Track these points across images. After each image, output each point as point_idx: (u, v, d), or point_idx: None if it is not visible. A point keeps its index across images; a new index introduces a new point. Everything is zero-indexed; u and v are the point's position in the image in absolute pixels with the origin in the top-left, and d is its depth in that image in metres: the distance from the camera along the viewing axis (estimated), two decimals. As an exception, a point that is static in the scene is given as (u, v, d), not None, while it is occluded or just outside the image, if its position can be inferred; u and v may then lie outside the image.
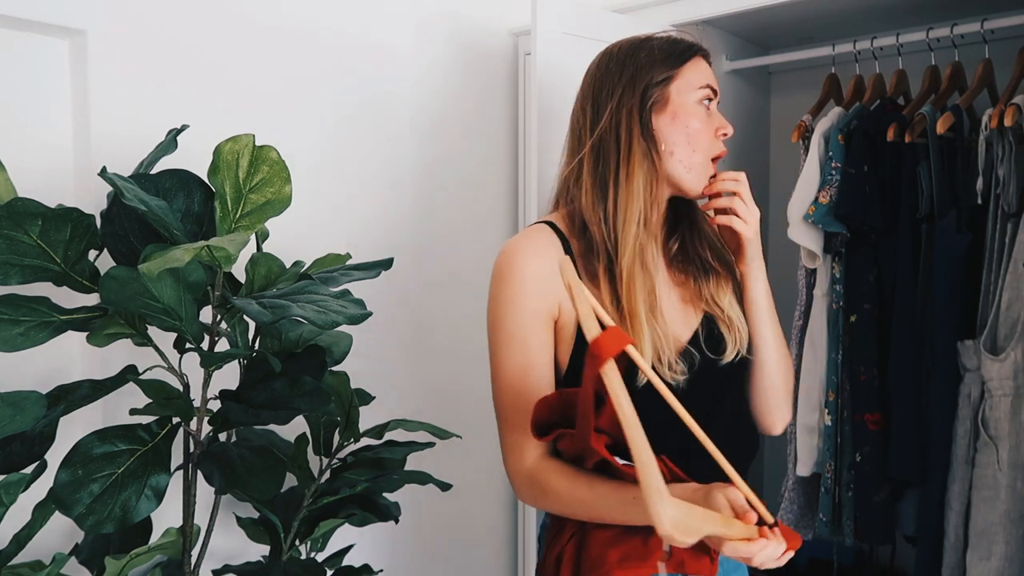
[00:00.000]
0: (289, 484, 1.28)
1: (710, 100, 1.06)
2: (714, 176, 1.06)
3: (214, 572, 1.26)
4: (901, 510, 1.79)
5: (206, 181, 1.08)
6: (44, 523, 1.03)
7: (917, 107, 1.75)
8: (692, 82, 1.04)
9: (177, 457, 1.08)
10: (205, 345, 1.11)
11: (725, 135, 1.07)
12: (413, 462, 1.47)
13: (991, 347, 1.56)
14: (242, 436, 1.20)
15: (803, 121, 1.90)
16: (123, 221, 1.06)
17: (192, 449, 1.10)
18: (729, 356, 1.06)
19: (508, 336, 1.01)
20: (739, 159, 2.11)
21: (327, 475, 1.29)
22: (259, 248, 1.23)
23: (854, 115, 1.80)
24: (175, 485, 1.06)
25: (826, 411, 1.79)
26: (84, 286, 1.04)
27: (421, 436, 1.60)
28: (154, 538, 1.12)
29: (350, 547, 1.43)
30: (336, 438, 1.32)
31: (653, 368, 0.97)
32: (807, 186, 1.79)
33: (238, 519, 1.35)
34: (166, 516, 1.20)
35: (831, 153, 1.77)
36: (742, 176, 1.06)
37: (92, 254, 1.06)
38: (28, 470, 1.00)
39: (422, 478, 1.30)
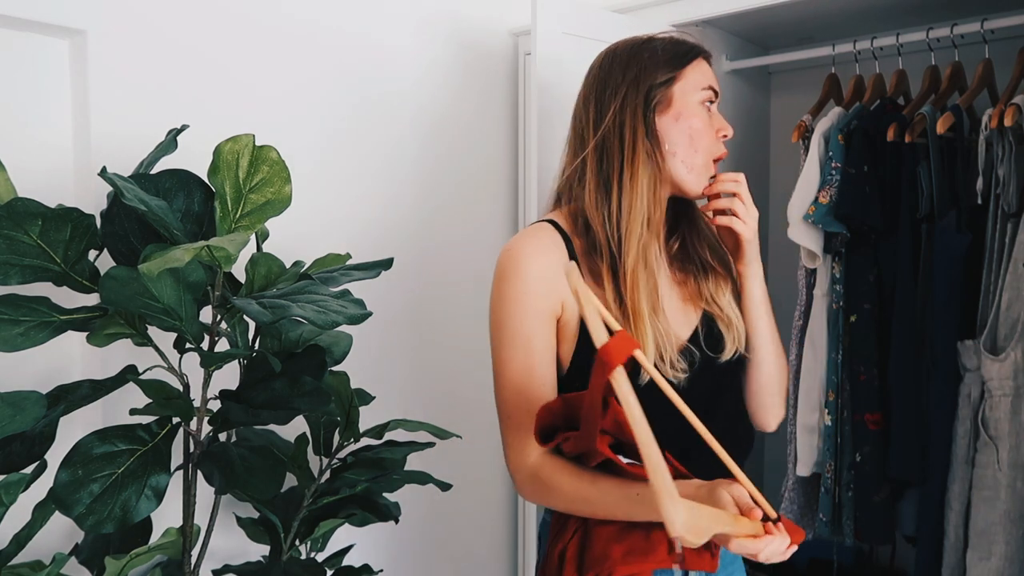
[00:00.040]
0: (289, 484, 1.29)
1: (712, 101, 1.06)
2: (714, 177, 1.07)
3: (214, 572, 1.26)
4: (901, 510, 1.79)
5: (206, 181, 1.08)
6: (44, 523, 1.03)
7: (917, 107, 1.75)
8: (695, 83, 1.04)
9: (177, 457, 1.08)
10: (205, 345, 1.11)
11: (725, 136, 1.07)
12: (413, 462, 1.47)
13: (991, 347, 1.56)
14: (242, 436, 1.20)
15: (803, 121, 1.90)
16: (123, 221, 1.06)
17: (192, 449, 1.10)
18: (728, 354, 1.07)
19: (512, 335, 1.01)
20: (739, 159, 2.11)
21: (327, 475, 1.29)
22: (259, 248, 1.23)
23: (854, 115, 1.80)
24: (175, 485, 1.06)
25: (826, 411, 1.79)
26: (84, 286, 1.04)
27: (421, 436, 1.60)
28: (154, 538, 1.12)
29: (350, 547, 1.43)
30: (336, 438, 1.32)
31: (655, 366, 0.97)
32: (807, 186, 1.79)
33: (238, 519, 1.35)
34: (166, 516, 1.20)
35: (831, 153, 1.77)
36: (741, 177, 1.07)
37: (92, 254, 1.06)
38: (28, 470, 1.00)
39: (422, 478, 1.30)
